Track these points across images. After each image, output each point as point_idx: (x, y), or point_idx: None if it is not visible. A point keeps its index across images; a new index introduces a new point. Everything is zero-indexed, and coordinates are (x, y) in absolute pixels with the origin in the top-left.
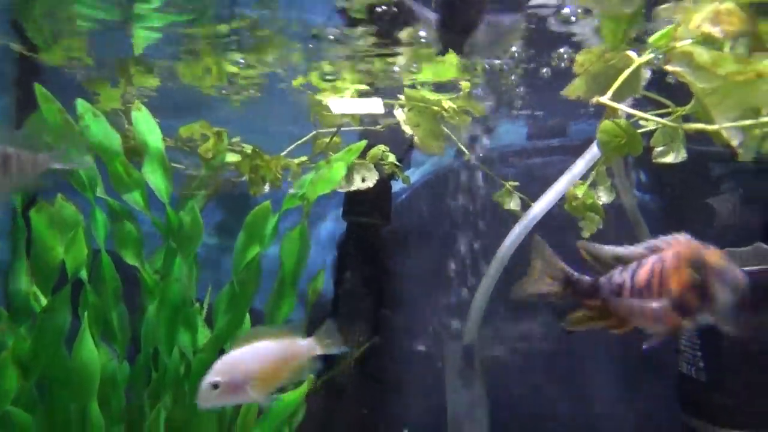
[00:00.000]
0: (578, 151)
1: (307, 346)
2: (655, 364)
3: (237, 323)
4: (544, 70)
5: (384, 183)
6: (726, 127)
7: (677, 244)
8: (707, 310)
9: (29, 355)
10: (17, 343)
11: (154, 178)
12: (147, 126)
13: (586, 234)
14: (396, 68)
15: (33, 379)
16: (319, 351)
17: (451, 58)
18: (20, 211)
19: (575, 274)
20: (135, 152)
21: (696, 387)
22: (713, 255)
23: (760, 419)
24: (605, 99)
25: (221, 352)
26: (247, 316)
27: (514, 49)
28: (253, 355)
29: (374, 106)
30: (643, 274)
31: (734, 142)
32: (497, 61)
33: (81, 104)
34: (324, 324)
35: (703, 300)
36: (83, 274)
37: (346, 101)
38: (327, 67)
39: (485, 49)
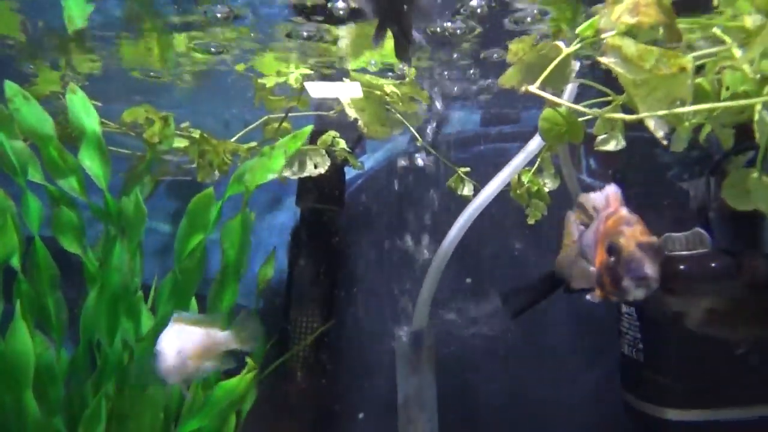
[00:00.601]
0: (530, 138)
1: (223, 338)
2: (601, 346)
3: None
4: (495, 55)
5: (337, 169)
6: (648, 116)
7: (605, 215)
8: (618, 294)
9: None
10: None
11: (91, 163)
12: (83, 109)
13: (531, 221)
14: (341, 46)
15: None
16: (234, 345)
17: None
18: None
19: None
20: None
21: (636, 367)
22: (630, 240)
23: (694, 398)
24: (533, 88)
25: None
26: (194, 303)
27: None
28: (169, 339)
29: (352, 90)
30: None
31: (659, 134)
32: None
33: (9, 86)
34: (241, 315)
35: (616, 283)
36: (15, 262)
37: (323, 85)
38: (271, 51)
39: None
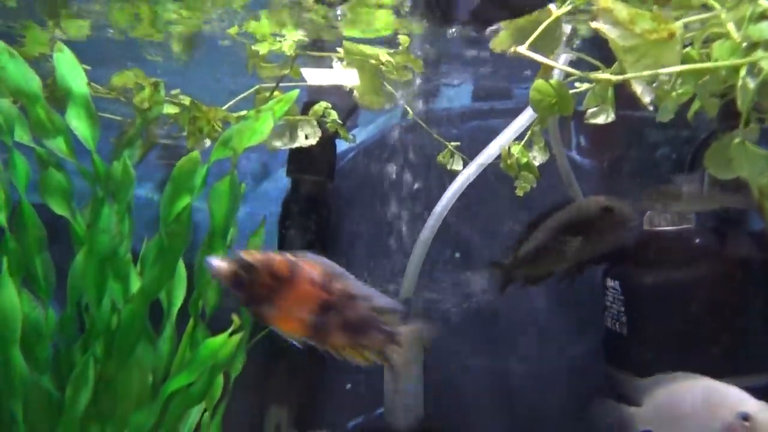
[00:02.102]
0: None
1: None
2: (588, 320)
3: (167, 275)
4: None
5: (328, 141)
6: (635, 77)
7: None
8: None
9: None
10: None
11: (79, 123)
12: (70, 69)
13: (519, 192)
14: (338, 15)
15: None
16: None
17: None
18: None
19: None
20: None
21: (619, 341)
22: None
23: (675, 370)
24: (522, 49)
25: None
26: (183, 269)
27: None
28: None
29: (348, 77)
30: None
31: (645, 99)
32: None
33: None
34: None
35: None
36: (2, 220)
37: (320, 71)
38: (266, 16)
39: None
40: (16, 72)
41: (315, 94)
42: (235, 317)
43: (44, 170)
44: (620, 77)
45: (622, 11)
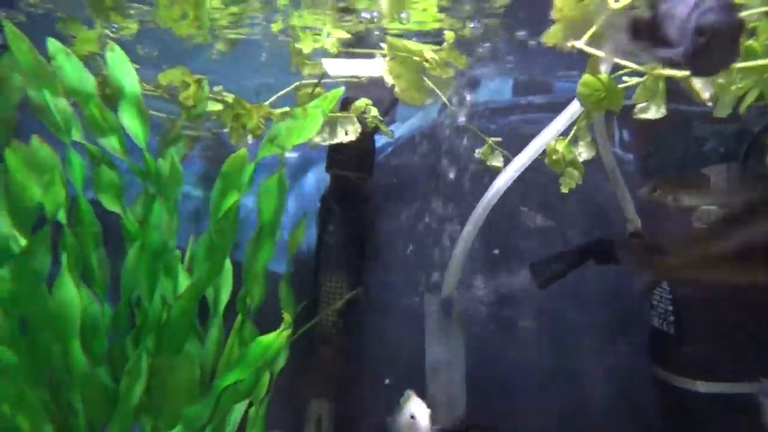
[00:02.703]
0: (562, 108)
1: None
2: (630, 319)
3: (216, 271)
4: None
5: (367, 137)
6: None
7: None
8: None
9: (9, 296)
10: None
11: (131, 122)
12: (122, 68)
13: (564, 189)
14: (376, 14)
15: (14, 319)
16: None
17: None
18: None
19: None
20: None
21: (666, 340)
22: None
23: (723, 370)
24: (580, 44)
25: (201, 299)
26: (229, 265)
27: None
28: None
29: (373, 67)
30: None
31: (705, 95)
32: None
33: (52, 43)
34: None
35: None
36: (62, 217)
37: (342, 62)
38: (308, 14)
39: None
40: (72, 72)
41: (353, 90)
42: (286, 315)
43: (96, 167)
44: (682, 73)
45: None
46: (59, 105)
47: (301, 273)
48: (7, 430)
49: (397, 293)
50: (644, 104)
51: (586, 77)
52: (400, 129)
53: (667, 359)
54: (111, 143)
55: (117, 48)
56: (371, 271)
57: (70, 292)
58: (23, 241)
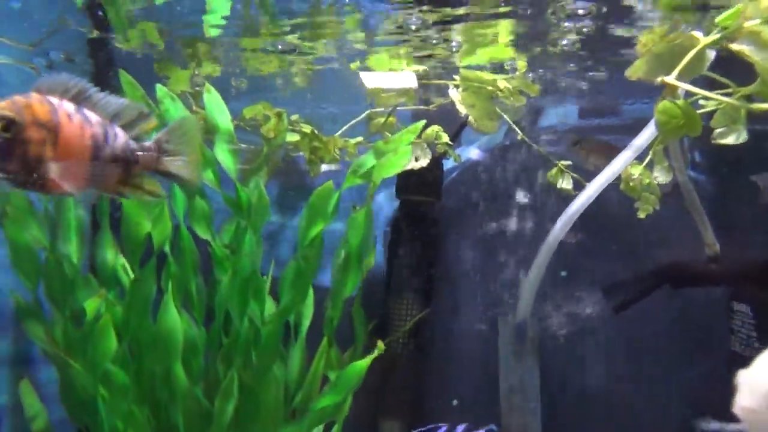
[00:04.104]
0: (631, 130)
1: None
2: (705, 343)
3: (302, 296)
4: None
5: (436, 162)
6: None
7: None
8: None
9: (121, 321)
10: (111, 309)
11: (224, 156)
12: (217, 107)
13: (642, 214)
14: (453, 46)
15: (125, 343)
16: None
17: (504, 38)
18: None
19: None
20: (204, 132)
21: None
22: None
23: None
24: (670, 79)
25: (287, 325)
26: (311, 290)
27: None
28: None
29: (407, 80)
30: None
31: None
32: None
33: (160, 89)
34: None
35: None
36: (167, 247)
37: (378, 75)
38: (383, 50)
39: None
40: (176, 113)
41: (420, 117)
42: (380, 342)
43: (191, 199)
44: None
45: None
46: None
47: (369, 294)
48: None
49: (467, 316)
50: (723, 129)
51: (665, 104)
52: (467, 152)
53: None
54: (207, 176)
55: (213, 89)
56: (441, 294)
57: (174, 318)
58: (132, 271)
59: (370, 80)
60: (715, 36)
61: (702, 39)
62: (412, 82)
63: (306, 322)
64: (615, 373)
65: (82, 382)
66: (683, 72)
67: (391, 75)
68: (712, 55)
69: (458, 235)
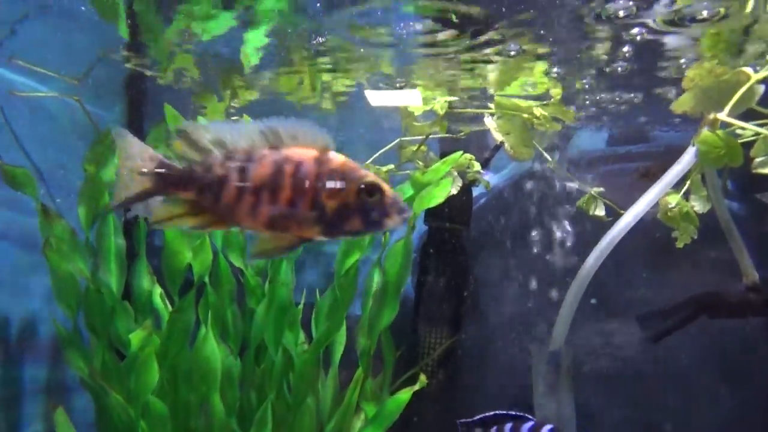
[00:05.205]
0: (661, 157)
1: None
2: (745, 372)
3: (337, 326)
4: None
5: (465, 189)
6: None
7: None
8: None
9: (160, 351)
10: (150, 339)
11: None
12: None
13: (680, 244)
14: (488, 77)
15: (164, 373)
16: None
17: (539, 68)
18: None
19: (167, 160)
20: None
21: None
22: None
23: None
24: (722, 115)
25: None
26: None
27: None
28: None
29: (413, 98)
30: (262, 170)
31: None
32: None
33: (200, 121)
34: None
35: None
36: (206, 278)
37: (384, 93)
38: (419, 81)
39: None
40: None
41: (448, 146)
42: (422, 377)
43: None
44: None
45: None
46: None
47: (397, 321)
48: None
49: (497, 344)
50: (764, 158)
51: (706, 134)
52: (495, 178)
53: None
54: None
55: (248, 119)
56: (471, 321)
57: (213, 348)
58: (170, 301)
59: (375, 99)
60: (766, 72)
61: (752, 75)
62: (418, 100)
63: (339, 352)
64: (653, 403)
65: (120, 412)
66: (733, 107)
67: (396, 93)
68: (761, 90)
69: (487, 263)
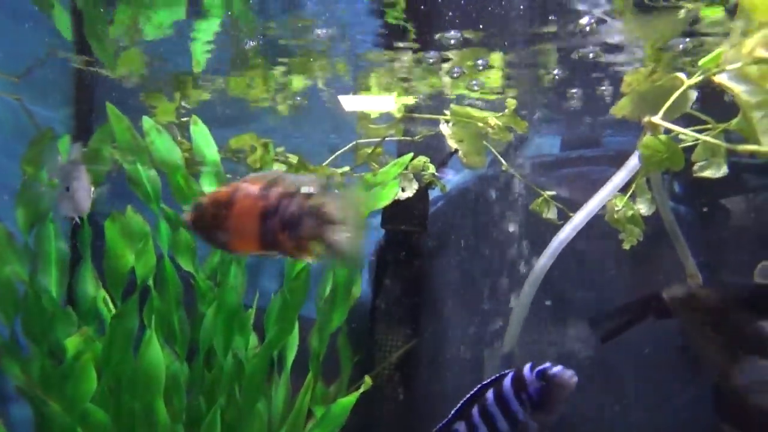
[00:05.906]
0: (612, 161)
1: None
2: (690, 372)
3: (288, 330)
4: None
5: (421, 192)
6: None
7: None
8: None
9: (102, 358)
10: (90, 345)
11: (211, 188)
12: (204, 139)
13: (626, 246)
14: (445, 79)
15: (105, 380)
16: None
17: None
18: (86, 217)
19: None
20: (189, 164)
21: (734, 396)
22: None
23: None
24: (657, 119)
25: (270, 359)
26: (296, 323)
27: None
28: None
29: (386, 103)
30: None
31: None
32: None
33: (147, 121)
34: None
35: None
36: (150, 281)
37: (357, 98)
38: (373, 82)
39: None
40: (162, 146)
41: (406, 148)
42: (368, 378)
43: (175, 231)
44: (764, 149)
45: (753, 68)
46: (150, 175)
47: (354, 325)
48: None
49: (454, 346)
50: (704, 162)
51: (648, 139)
52: (457, 177)
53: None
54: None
55: (200, 122)
56: (427, 324)
57: (157, 353)
58: (113, 305)
59: (349, 104)
60: (697, 78)
61: (685, 80)
62: (391, 105)
63: (291, 356)
64: (603, 403)
65: (60, 422)
66: (668, 111)
67: (370, 99)
68: (694, 95)
69: (443, 266)
